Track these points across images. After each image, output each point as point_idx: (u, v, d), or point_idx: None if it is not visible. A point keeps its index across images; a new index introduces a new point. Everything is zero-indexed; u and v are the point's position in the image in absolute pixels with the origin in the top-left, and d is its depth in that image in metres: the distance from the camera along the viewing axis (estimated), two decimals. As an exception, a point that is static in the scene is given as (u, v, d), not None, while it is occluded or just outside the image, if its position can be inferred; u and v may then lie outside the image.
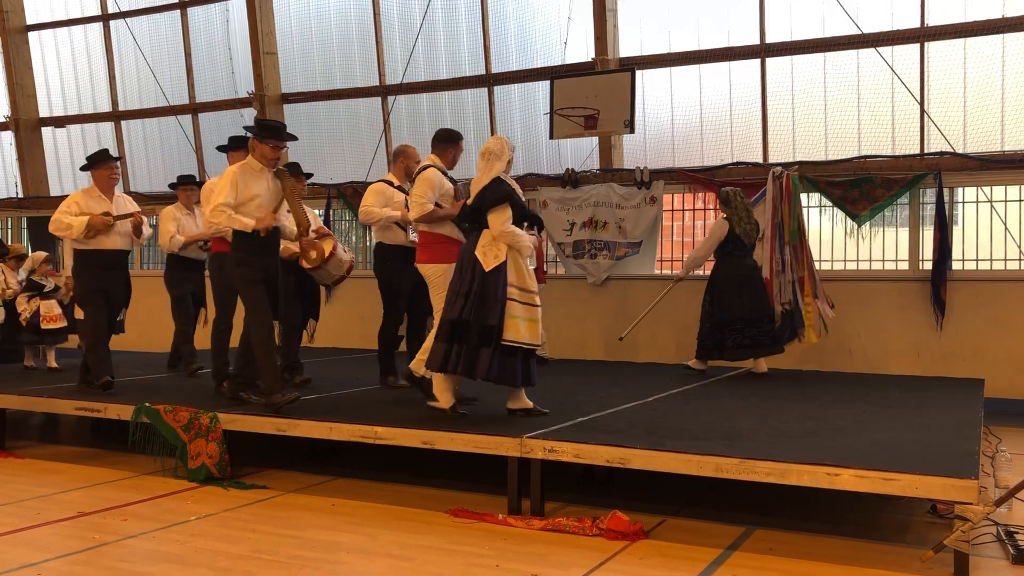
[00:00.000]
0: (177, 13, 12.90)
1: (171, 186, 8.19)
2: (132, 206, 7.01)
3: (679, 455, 4.62)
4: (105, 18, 13.44)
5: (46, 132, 14.24)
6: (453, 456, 5.29)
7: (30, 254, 8.86)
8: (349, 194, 11.15)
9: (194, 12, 12.84)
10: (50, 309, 8.23)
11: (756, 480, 4.44)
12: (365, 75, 11.81)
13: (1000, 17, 8.68)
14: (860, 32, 9.13)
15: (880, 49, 9.10)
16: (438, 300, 6.02)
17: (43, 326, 8.16)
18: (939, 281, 8.71)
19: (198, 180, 8.39)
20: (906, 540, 4.69)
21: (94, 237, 6.70)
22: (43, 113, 14.17)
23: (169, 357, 8.37)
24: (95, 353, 6.82)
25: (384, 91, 11.64)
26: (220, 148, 7.09)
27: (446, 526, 4.85)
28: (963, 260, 8.95)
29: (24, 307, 8.19)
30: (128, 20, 13.16)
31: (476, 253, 5.44)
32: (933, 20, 8.92)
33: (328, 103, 12.14)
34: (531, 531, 4.73)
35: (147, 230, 7.35)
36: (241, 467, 6.00)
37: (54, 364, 8.34)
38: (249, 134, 6.06)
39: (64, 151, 14.19)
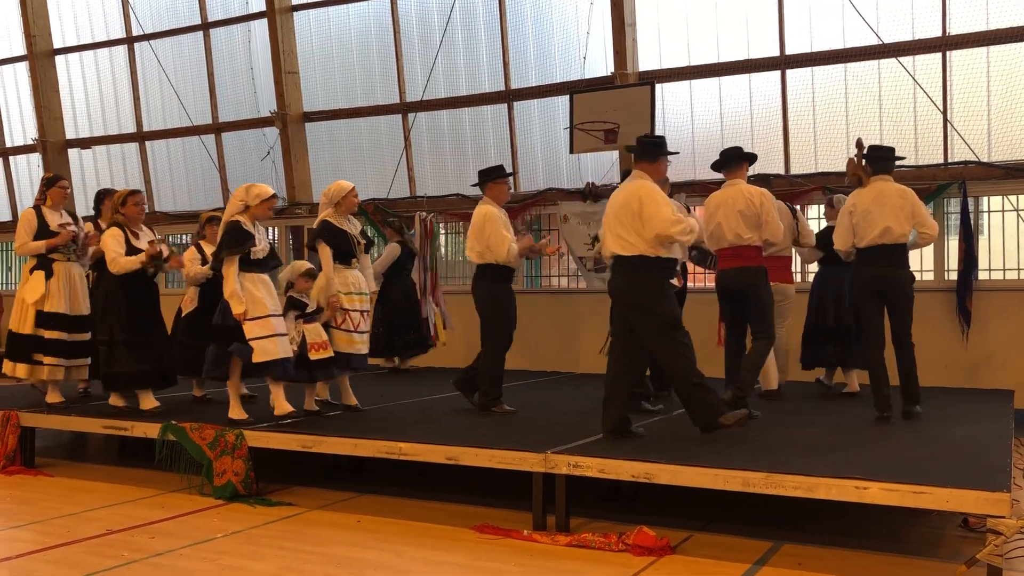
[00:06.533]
0: (200, 34, 13.07)
1: (482, 183, 6.76)
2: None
3: (705, 470, 4.60)
4: (130, 40, 13.63)
5: (72, 154, 14.43)
6: (478, 472, 5.29)
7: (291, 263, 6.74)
8: (371, 211, 11.20)
9: (216, 33, 13.00)
10: (318, 335, 6.34)
11: (784, 494, 4.40)
12: (386, 93, 11.89)
13: (1023, 25, 8.60)
14: (881, 42, 9.09)
15: (901, 59, 9.06)
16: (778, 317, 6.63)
17: (312, 356, 6.27)
18: (964, 291, 8.62)
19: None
20: (938, 555, 4.63)
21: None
22: (69, 135, 14.37)
23: (463, 378, 6.91)
24: (710, 406, 5.39)
25: (405, 108, 11.71)
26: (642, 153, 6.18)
27: (471, 542, 4.84)
28: (989, 269, 8.86)
29: (290, 333, 6.33)
30: (152, 42, 13.34)
31: None
32: (955, 29, 8.87)
33: (349, 121, 12.22)
34: (557, 547, 4.71)
35: None
36: (267, 484, 6.02)
37: (313, 406, 6.52)
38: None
39: (90, 172, 14.37)
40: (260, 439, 5.86)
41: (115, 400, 6.81)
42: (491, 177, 6.70)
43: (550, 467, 4.92)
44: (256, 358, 5.94)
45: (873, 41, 9.14)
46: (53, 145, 14.20)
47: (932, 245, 9.08)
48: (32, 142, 14.36)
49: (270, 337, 5.96)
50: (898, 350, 6.27)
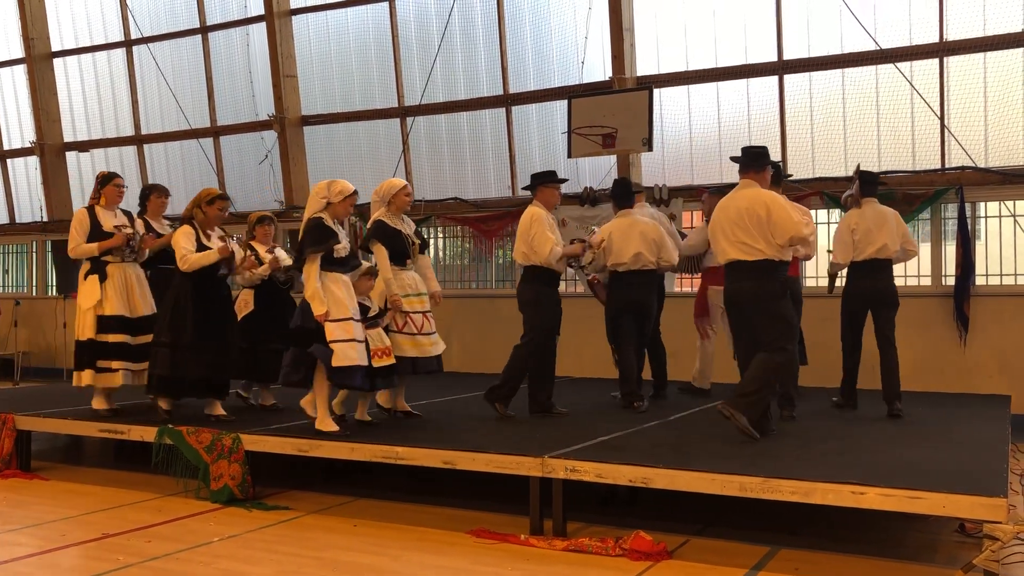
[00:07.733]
0: (198, 38, 13.08)
1: (533, 186, 6.75)
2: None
3: (702, 474, 4.59)
4: (128, 44, 13.64)
5: (70, 156, 14.43)
6: (475, 476, 5.29)
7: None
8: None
9: (215, 37, 13.01)
10: (381, 341, 5.96)
11: (780, 499, 4.40)
12: (384, 96, 11.90)
13: (1020, 31, 8.62)
14: (878, 48, 9.11)
15: (899, 64, 9.08)
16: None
17: (375, 364, 5.85)
18: (962, 297, 8.64)
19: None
20: (935, 560, 4.63)
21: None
22: (67, 138, 14.36)
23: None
24: (761, 405, 5.62)
25: (403, 112, 11.72)
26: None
27: (468, 547, 4.83)
28: (986, 275, 8.87)
29: None
30: (150, 45, 13.35)
31: None
32: (952, 35, 8.89)
33: (347, 124, 12.23)
34: (553, 552, 4.71)
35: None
36: (263, 488, 6.01)
37: (365, 416, 6.30)
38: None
39: (88, 175, 14.34)
40: (256, 443, 5.85)
41: (164, 404, 6.53)
42: (542, 180, 6.70)
43: (547, 471, 4.92)
44: (336, 362, 5.59)
45: (871, 47, 9.16)
46: (51, 148, 14.20)
47: (930, 251, 9.14)
48: (30, 145, 14.35)
49: (350, 342, 5.63)
50: (886, 349, 6.79)
